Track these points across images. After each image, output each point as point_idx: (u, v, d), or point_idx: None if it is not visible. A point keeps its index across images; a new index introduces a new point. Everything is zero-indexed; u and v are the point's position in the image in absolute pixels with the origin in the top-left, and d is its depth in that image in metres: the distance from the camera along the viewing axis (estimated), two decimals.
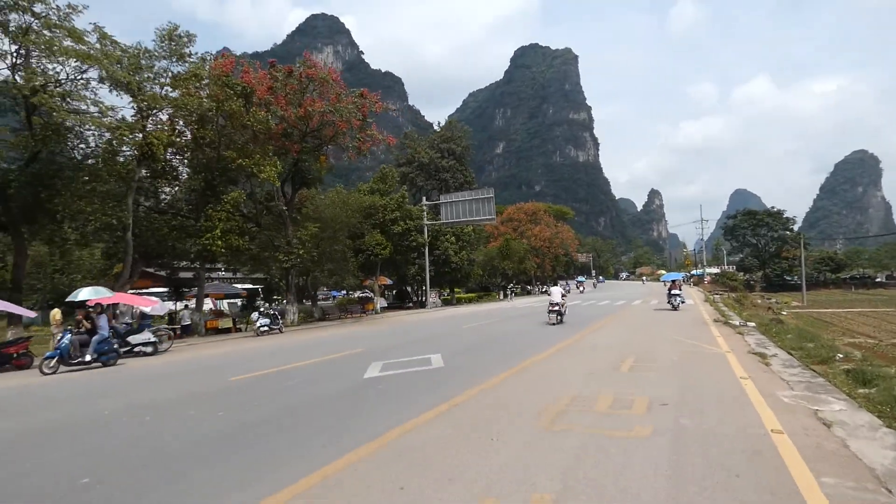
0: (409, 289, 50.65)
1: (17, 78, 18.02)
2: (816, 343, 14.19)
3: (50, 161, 20.50)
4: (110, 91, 19.67)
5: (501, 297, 52.66)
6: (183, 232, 24.11)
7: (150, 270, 28.93)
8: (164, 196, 26.32)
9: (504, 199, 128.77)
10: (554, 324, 19.81)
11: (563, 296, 21.12)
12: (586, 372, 9.51)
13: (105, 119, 18.54)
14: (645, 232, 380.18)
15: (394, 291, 52.93)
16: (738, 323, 18.69)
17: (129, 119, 21.62)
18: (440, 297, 48.82)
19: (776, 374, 9.04)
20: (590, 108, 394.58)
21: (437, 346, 14.33)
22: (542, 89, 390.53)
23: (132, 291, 28.69)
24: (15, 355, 14.77)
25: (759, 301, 45.94)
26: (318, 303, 35.30)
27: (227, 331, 26.83)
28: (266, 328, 22.84)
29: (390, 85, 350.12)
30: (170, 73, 21.68)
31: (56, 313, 16.62)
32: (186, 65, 22.17)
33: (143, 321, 16.81)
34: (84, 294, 16.45)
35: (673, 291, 26.80)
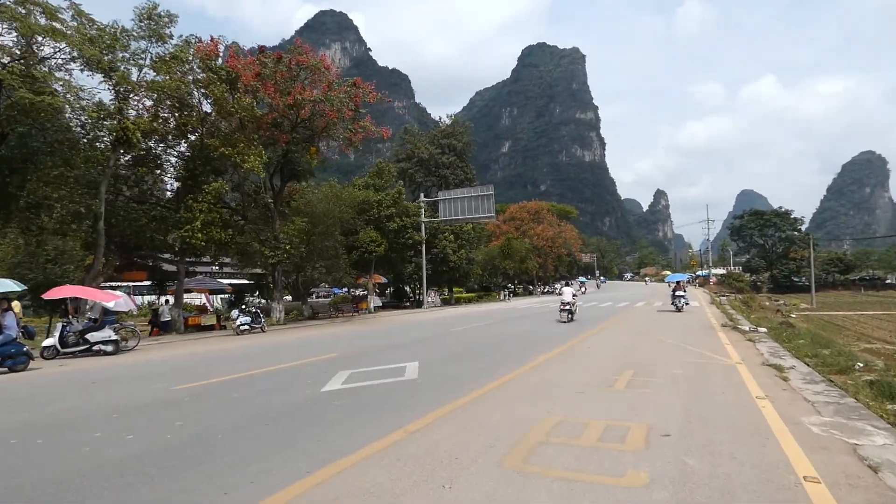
0: (407, 288, 49.41)
1: None
2: (832, 350, 13.01)
3: (21, 144, 19.36)
4: (81, 71, 18.53)
5: (502, 297, 51.25)
6: (163, 223, 22.94)
7: (147, 262, 27.76)
8: (146, 186, 25.10)
9: (509, 198, 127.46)
10: (564, 322, 20.55)
11: (574, 295, 21.98)
12: (577, 388, 8.25)
13: (72, 99, 17.22)
14: (650, 232, 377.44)
15: (390, 290, 51.68)
16: (747, 328, 17.40)
17: (108, 103, 20.49)
18: (440, 297, 47.62)
19: (798, 393, 7.76)
20: (596, 107, 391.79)
21: (418, 352, 13.11)
22: (549, 88, 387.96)
23: (113, 285, 27.62)
24: None
25: (767, 303, 44.53)
26: (309, 301, 34.06)
27: (210, 328, 25.72)
28: (247, 327, 21.65)
29: (397, 82, 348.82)
30: (149, 55, 20.48)
31: None
32: (167, 46, 20.96)
33: (107, 317, 15.59)
34: None
35: (677, 293, 26.58)
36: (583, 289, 62.92)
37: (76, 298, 16.47)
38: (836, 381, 8.71)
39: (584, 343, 14.12)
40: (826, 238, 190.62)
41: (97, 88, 20.83)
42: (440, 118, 72.29)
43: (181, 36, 22.80)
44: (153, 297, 35.23)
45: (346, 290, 52.34)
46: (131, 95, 20.70)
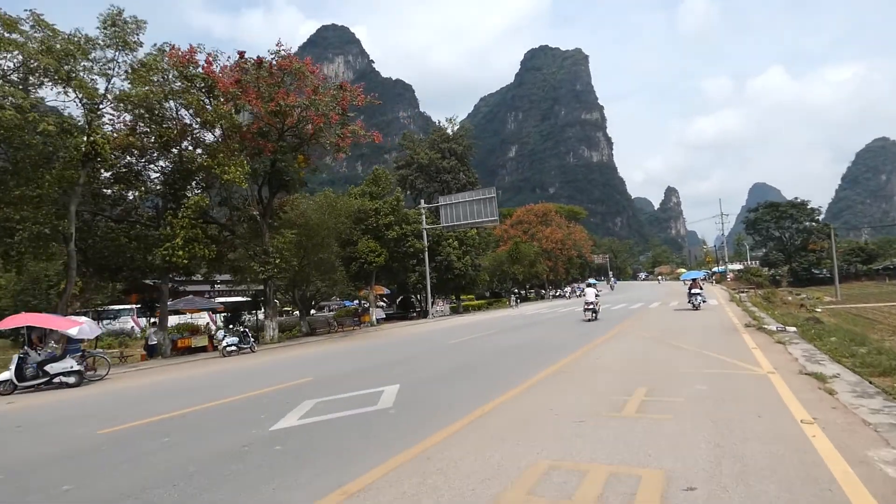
0: (413, 298, 47.92)
1: None
2: (869, 348, 11.43)
3: None
4: (40, 84, 17.33)
5: (511, 303, 49.50)
6: (143, 242, 21.72)
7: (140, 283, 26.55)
8: (127, 204, 23.92)
9: (518, 202, 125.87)
10: (589, 320, 22.37)
11: (596, 295, 23.82)
12: (578, 414, 6.76)
13: (30, 115, 15.95)
14: (663, 230, 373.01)
15: (398, 300, 50.21)
16: (774, 328, 15.73)
17: (78, 116, 19.40)
18: (449, 305, 46.10)
19: (852, 413, 6.22)
20: (602, 107, 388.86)
21: (403, 372, 11.69)
22: (553, 91, 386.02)
23: (118, 308, 26.53)
24: None
25: (790, 298, 42.50)
26: (308, 316, 32.73)
27: (202, 349, 24.48)
28: (234, 348, 20.32)
29: (401, 92, 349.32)
30: (117, 64, 19.29)
31: None
32: (137, 54, 19.78)
33: (70, 345, 14.30)
34: None
35: (693, 290, 25.82)
36: (578, 293, 61.59)
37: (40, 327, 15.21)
38: (890, 389, 7.17)
39: (592, 353, 12.56)
40: (844, 228, 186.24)
41: (63, 103, 19.66)
42: (439, 121, 71.06)
43: (155, 44, 21.77)
44: (142, 320, 34.20)
45: (356, 302, 51.06)
46: (101, 108, 19.54)
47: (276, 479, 5.04)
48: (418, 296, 46.35)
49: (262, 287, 31.27)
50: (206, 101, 21.83)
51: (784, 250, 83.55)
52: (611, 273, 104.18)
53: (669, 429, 5.87)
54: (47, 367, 13.54)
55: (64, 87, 17.48)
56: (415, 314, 44.07)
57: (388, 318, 42.07)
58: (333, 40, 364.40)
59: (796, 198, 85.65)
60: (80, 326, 14.21)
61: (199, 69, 22.18)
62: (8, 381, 13.25)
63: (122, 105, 19.61)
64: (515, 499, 4.15)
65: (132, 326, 42.53)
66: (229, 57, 24.45)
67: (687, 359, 10.87)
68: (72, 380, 13.66)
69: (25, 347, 13.78)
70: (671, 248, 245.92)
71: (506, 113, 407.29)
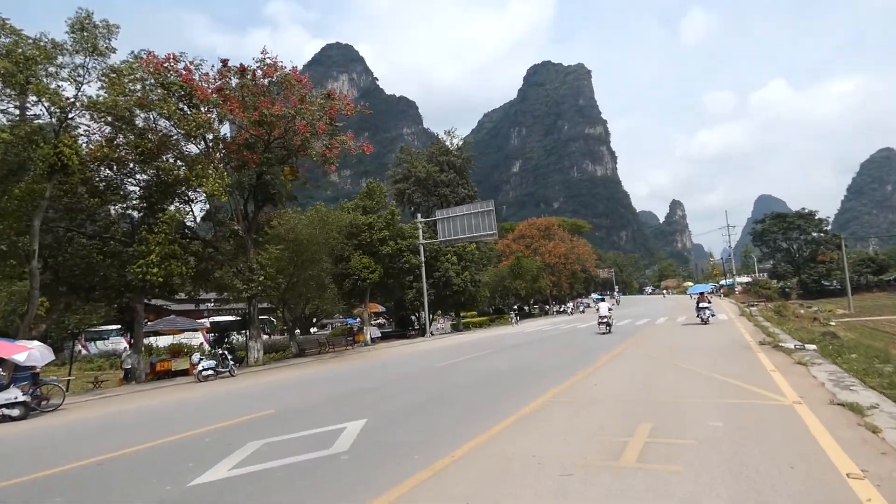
0: (412, 315, 46.43)
1: None
2: (894, 364, 10.20)
3: None
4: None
5: (511, 319, 47.71)
6: (117, 259, 20.52)
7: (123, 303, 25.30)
8: (105, 218, 22.75)
9: (522, 217, 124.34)
10: (603, 333, 23.00)
11: (609, 309, 24.50)
12: (566, 464, 5.42)
13: None
14: (668, 244, 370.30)
15: (402, 315, 48.63)
16: (792, 346, 14.33)
17: (43, 125, 18.36)
18: (450, 322, 44.59)
19: None
20: (605, 121, 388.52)
21: (376, 402, 10.41)
22: (556, 106, 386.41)
23: (112, 328, 25.32)
24: None
25: (802, 311, 40.87)
26: (296, 336, 31.37)
27: (183, 373, 23.16)
28: (211, 372, 19.00)
29: (405, 109, 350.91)
30: (87, 70, 18.24)
31: None
32: (109, 60, 18.76)
33: (17, 373, 13.03)
34: None
35: (701, 304, 25.16)
36: (581, 309, 60.29)
37: None
38: None
39: (590, 378, 11.17)
40: (851, 238, 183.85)
41: (39, 114, 18.67)
42: (438, 134, 70.12)
43: (132, 52, 20.83)
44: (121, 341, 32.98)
45: (358, 320, 49.64)
46: (71, 117, 18.49)
47: None
48: (417, 313, 44.92)
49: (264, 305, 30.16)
50: (185, 109, 20.77)
51: (792, 262, 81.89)
52: (616, 287, 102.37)
53: (679, 488, 4.53)
54: None
55: (19, 93, 16.42)
56: (413, 332, 42.62)
57: (386, 337, 40.63)
58: (338, 58, 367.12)
59: (803, 208, 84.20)
60: (30, 352, 12.96)
61: (178, 77, 21.16)
62: None
63: (94, 114, 18.55)
64: None
65: (125, 347, 41.40)
66: (213, 66, 23.52)
67: (698, 385, 9.52)
68: (16, 412, 12.36)
69: None
70: (677, 261, 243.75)
71: (509, 128, 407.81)
